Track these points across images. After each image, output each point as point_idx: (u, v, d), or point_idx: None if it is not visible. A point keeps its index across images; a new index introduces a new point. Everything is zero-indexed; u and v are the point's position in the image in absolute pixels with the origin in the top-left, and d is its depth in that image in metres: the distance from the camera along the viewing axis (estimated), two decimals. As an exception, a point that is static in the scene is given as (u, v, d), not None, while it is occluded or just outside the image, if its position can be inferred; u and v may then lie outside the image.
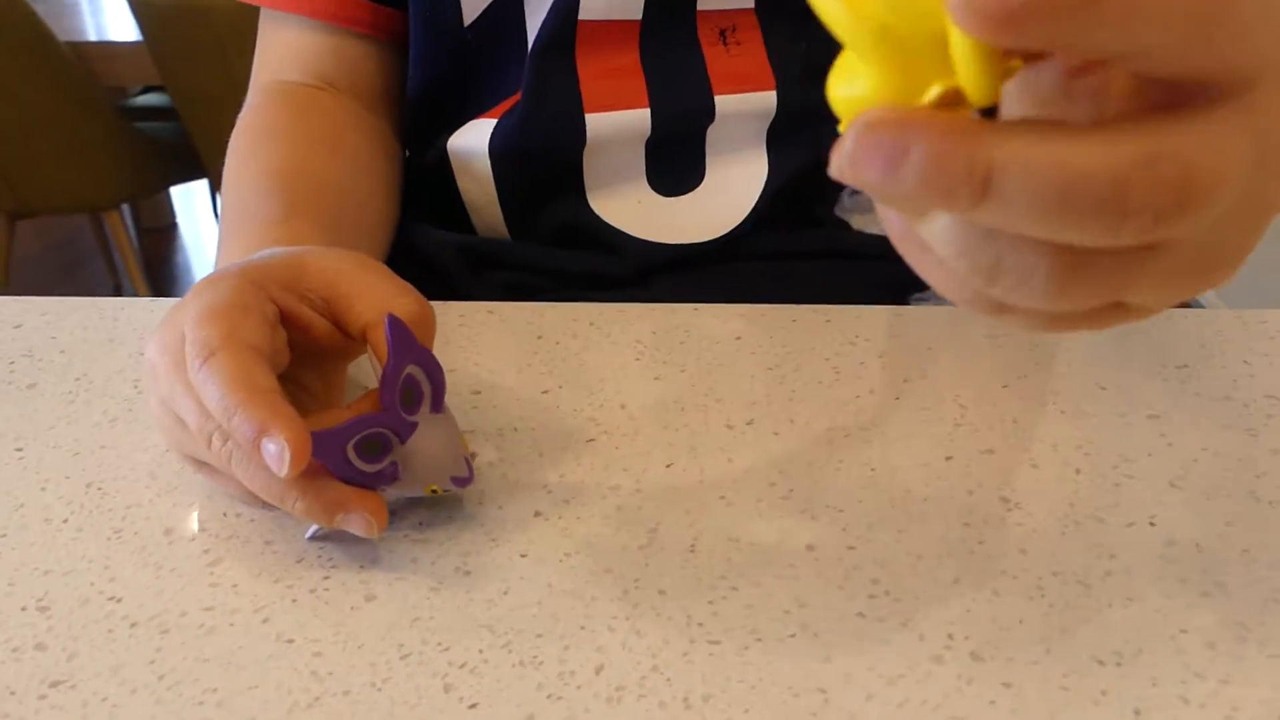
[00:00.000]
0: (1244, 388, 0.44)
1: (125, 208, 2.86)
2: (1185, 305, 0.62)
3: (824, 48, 0.59)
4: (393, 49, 0.62)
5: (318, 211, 0.49)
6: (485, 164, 0.58)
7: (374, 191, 0.57)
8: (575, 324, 0.50)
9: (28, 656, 0.31)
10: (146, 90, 2.87)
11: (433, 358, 0.36)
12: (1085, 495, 0.37)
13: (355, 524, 0.33)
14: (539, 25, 0.56)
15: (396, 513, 0.36)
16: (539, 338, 0.49)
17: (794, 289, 0.55)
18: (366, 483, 0.34)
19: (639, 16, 0.55)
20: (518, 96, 0.57)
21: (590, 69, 0.56)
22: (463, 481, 0.35)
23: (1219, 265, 0.21)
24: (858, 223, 0.62)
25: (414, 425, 0.35)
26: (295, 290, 0.37)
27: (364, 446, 0.34)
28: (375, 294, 0.37)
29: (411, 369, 0.35)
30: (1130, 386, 0.44)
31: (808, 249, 0.59)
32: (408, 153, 0.64)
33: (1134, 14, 0.16)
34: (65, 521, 0.37)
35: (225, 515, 0.37)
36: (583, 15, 0.55)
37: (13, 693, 0.29)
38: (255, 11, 0.62)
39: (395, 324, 0.35)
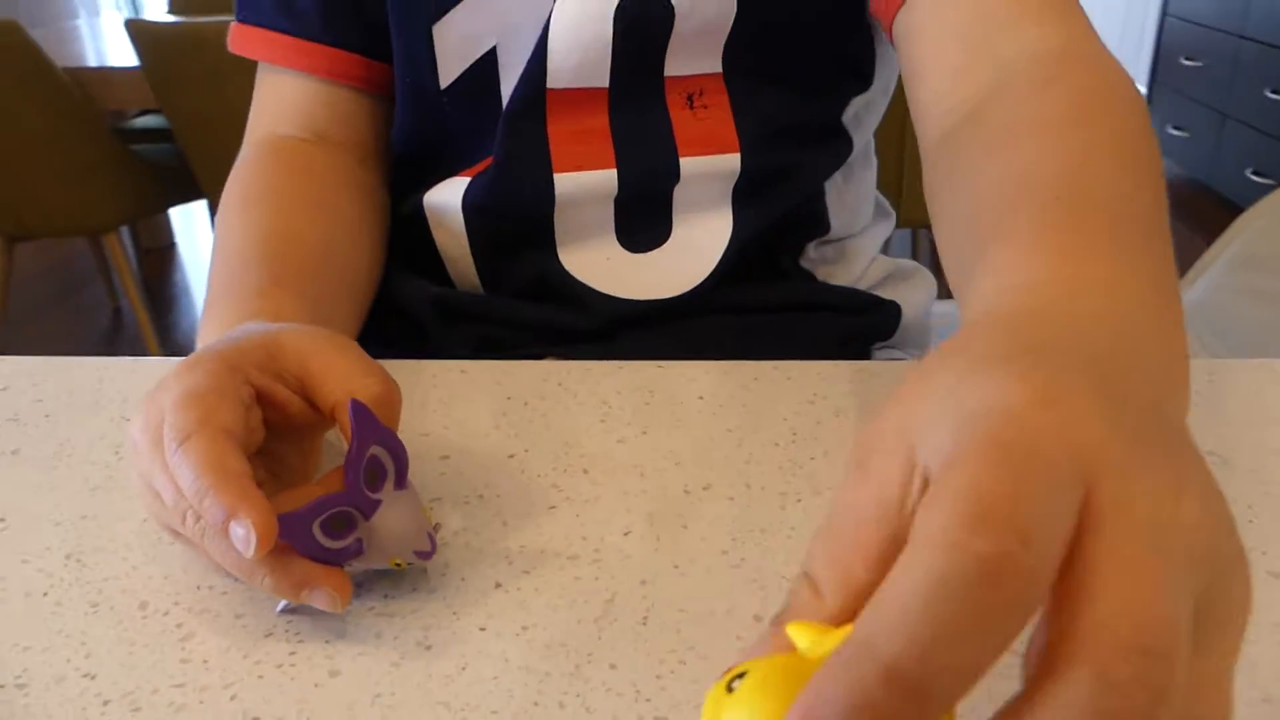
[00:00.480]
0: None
1: (124, 229, 2.89)
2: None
3: (788, 107, 0.62)
4: (386, 103, 0.64)
5: (299, 279, 0.50)
6: (459, 219, 0.60)
7: (357, 251, 0.58)
8: (544, 384, 0.52)
9: (5, 737, 0.32)
10: (144, 113, 2.89)
11: (394, 437, 0.37)
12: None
13: (320, 600, 0.35)
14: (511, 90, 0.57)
15: (363, 585, 0.38)
16: (508, 398, 0.51)
17: (759, 341, 0.56)
18: (332, 559, 0.35)
19: (606, 84, 0.56)
20: (490, 159, 0.59)
21: (560, 132, 0.58)
22: (425, 555, 0.37)
23: None
24: (823, 274, 0.63)
25: (377, 503, 0.36)
26: (270, 370, 0.39)
27: (330, 524, 0.35)
28: (343, 374, 0.38)
29: (375, 449, 0.37)
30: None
31: (773, 302, 0.61)
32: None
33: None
34: (45, 595, 0.38)
35: (199, 588, 0.39)
36: (550, 84, 0.56)
37: (-10, 775, 0.31)
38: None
39: (357, 407, 0.36)
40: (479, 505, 0.43)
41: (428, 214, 0.61)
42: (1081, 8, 0.47)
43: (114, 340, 2.70)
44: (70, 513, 0.43)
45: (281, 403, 0.39)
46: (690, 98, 0.58)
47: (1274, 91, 2.82)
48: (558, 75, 0.56)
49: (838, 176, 0.62)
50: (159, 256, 3.20)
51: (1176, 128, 3.42)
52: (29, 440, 0.49)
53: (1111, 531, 0.20)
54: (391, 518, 0.36)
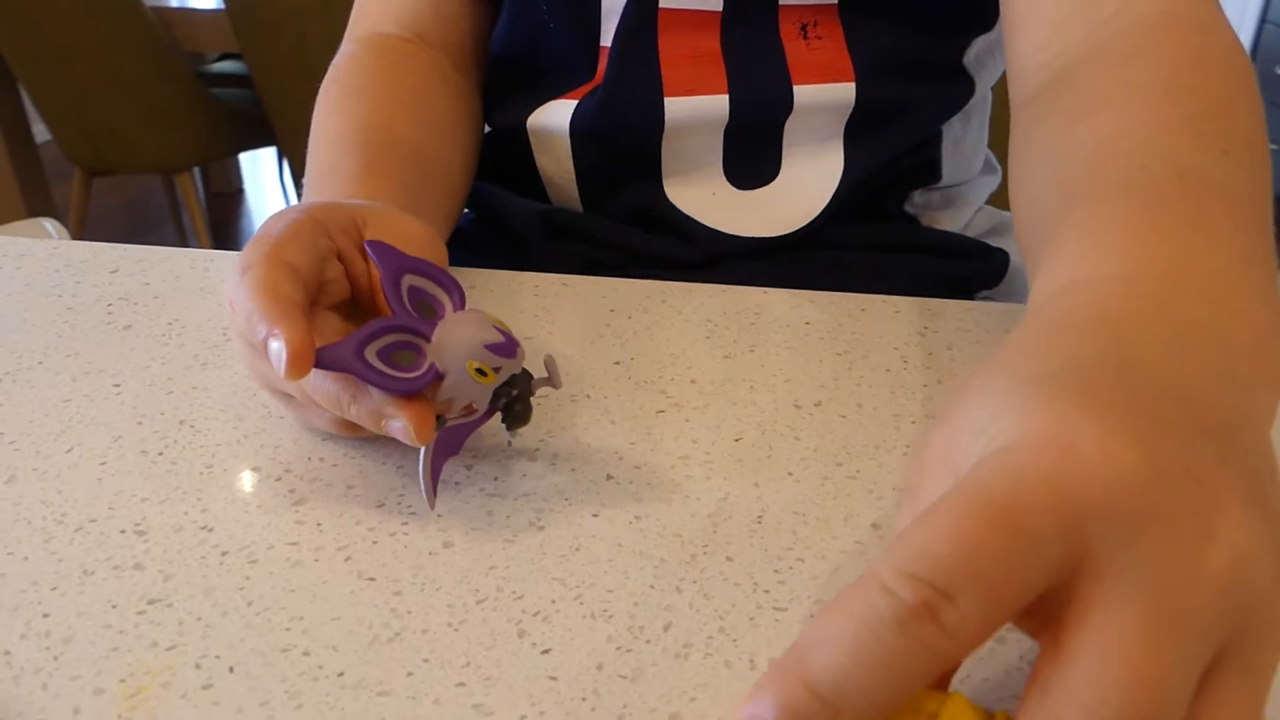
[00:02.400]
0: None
1: (195, 172, 2.94)
2: None
3: (906, 42, 0.60)
4: (488, 6, 0.64)
5: (395, 170, 0.50)
6: (565, 144, 0.59)
7: (452, 152, 0.58)
8: (648, 300, 0.51)
9: (127, 575, 0.33)
10: (223, 57, 2.93)
11: (438, 269, 0.37)
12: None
13: (397, 431, 0.34)
14: (615, 10, 0.57)
15: (472, 467, 0.38)
16: (611, 311, 0.50)
17: (862, 280, 0.55)
18: (413, 388, 0.34)
19: (719, 8, 0.56)
20: (597, 80, 0.58)
21: (671, 54, 0.57)
22: (503, 349, 0.34)
23: None
24: (927, 219, 0.62)
25: (434, 323, 0.35)
26: (352, 236, 0.40)
27: (391, 354, 0.34)
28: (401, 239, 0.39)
29: (414, 280, 0.36)
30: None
31: (877, 242, 0.60)
32: (487, 126, 0.66)
33: None
34: (160, 454, 0.39)
35: (309, 459, 0.39)
36: (663, 4, 0.55)
37: (114, 606, 0.31)
38: None
39: (374, 245, 0.36)
40: (586, 404, 0.42)
41: (531, 137, 0.61)
42: None
43: (180, 280, 2.74)
44: (182, 384, 0.44)
45: (358, 272, 0.40)
46: (804, 28, 0.56)
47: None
48: None
49: (955, 122, 0.60)
50: (227, 201, 3.25)
51: (1273, 143, 3.31)
52: (140, 318, 0.49)
53: (1107, 592, 0.19)
54: (455, 329, 0.34)
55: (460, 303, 0.37)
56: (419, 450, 0.35)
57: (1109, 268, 0.29)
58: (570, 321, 0.49)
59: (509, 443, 0.39)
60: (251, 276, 0.35)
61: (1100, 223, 0.31)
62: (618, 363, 0.45)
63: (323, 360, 0.33)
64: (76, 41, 2.13)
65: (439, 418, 0.35)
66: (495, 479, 0.38)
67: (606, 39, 0.58)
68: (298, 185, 2.91)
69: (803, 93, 0.56)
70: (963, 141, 0.61)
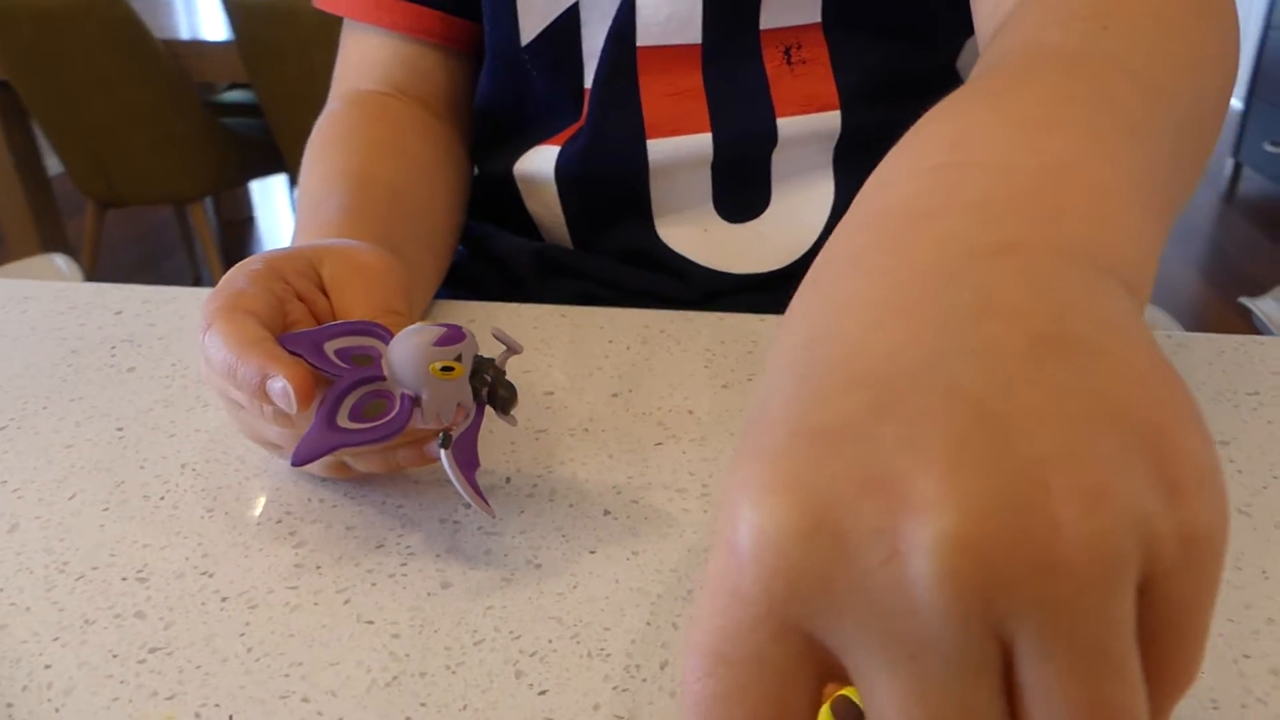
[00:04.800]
0: (1320, 419, 0.43)
1: (207, 201, 2.96)
2: (1256, 332, 0.61)
3: (894, 56, 0.59)
4: (466, 60, 0.64)
5: (371, 210, 0.50)
6: (552, 189, 0.60)
7: (434, 192, 0.58)
8: (645, 330, 0.51)
9: (128, 623, 0.33)
10: (232, 86, 2.96)
11: (347, 323, 0.37)
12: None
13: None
14: (595, 52, 0.57)
15: (470, 505, 0.38)
16: (610, 342, 0.50)
17: None
18: (398, 425, 0.34)
19: (699, 40, 0.55)
20: (580, 123, 0.58)
21: (652, 93, 0.57)
22: (450, 336, 0.34)
23: None
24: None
25: (379, 363, 0.35)
26: (309, 276, 0.40)
27: (367, 410, 0.35)
28: (355, 293, 0.40)
29: (336, 344, 0.36)
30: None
31: None
32: (476, 169, 0.66)
33: None
34: (162, 499, 0.39)
35: (309, 500, 0.39)
36: (640, 41, 0.55)
37: (115, 655, 0.32)
38: (339, 17, 0.64)
39: (285, 337, 0.36)
40: (584, 438, 0.42)
41: (519, 183, 0.61)
42: None
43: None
44: (185, 427, 0.44)
45: (320, 311, 0.40)
46: (788, 51, 0.56)
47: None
48: (648, 31, 0.55)
49: None
50: (239, 229, 3.27)
51: (1273, 143, 3.30)
52: (143, 360, 0.50)
53: (856, 671, 0.17)
54: (394, 354, 0.35)
55: (388, 336, 0.37)
56: (451, 479, 0.35)
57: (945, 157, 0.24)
58: (569, 353, 0.49)
59: (514, 423, 0.38)
60: (218, 329, 0.35)
61: (914, 127, 0.27)
62: (616, 395, 0.46)
63: (307, 453, 0.33)
64: (88, 75, 2.16)
65: (445, 435, 0.35)
66: (493, 518, 0.38)
67: (589, 81, 0.58)
68: (308, 211, 2.93)
69: (787, 124, 0.56)
70: None
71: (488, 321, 0.53)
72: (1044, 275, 0.19)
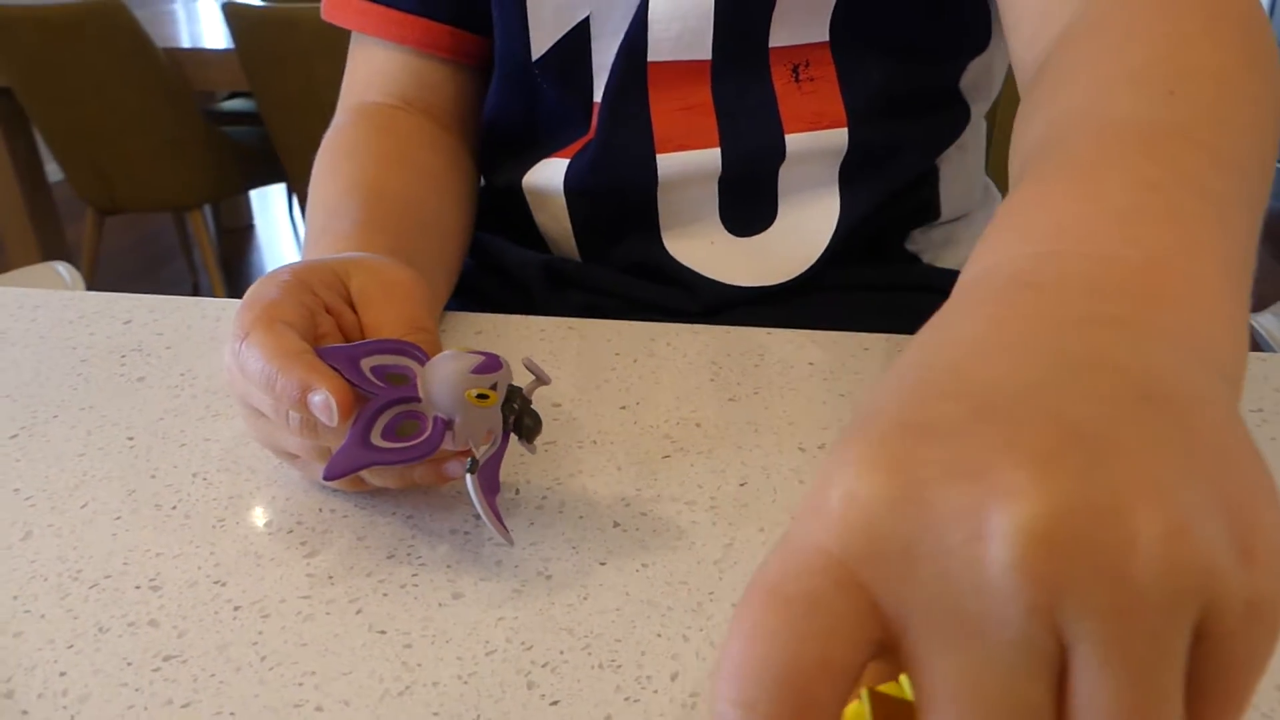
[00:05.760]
0: (1321, 436, 0.44)
1: (206, 208, 2.97)
2: (1258, 349, 0.62)
3: (900, 74, 0.60)
4: (474, 73, 0.64)
5: (385, 223, 0.51)
6: (560, 202, 0.60)
7: (443, 204, 0.59)
8: (652, 343, 0.52)
9: (142, 631, 0.33)
10: (233, 95, 2.97)
11: (386, 341, 0.38)
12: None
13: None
14: (605, 66, 0.57)
15: (480, 518, 0.38)
16: (617, 354, 0.51)
17: (866, 320, 0.56)
18: (431, 446, 0.34)
19: (708, 56, 0.56)
20: (589, 136, 0.59)
21: (662, 108, 0.57)
22: (488, 365, 0.35)
23: None
24: (929, 258, 0.62)
25: (415, 384, 0.36)
26: (335, 289, 0.40)
27: (399, 430, 0.35)
28: (385, 309, 0.40)
29: (373, 360, 0.36)
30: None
31: (879, 282, 0.60)
32: (483, 180, 0.66)
33: None
34: (174, 508, 0.39)
35: (320, 510, 0.39)
36: (651, 57, 0.56)
37: (129, 663, 0.32)
38: (341, 29, 0.64)
39: (322, 350, 0.36)
40: (593, 450, 0.43)
41: (527, 196, 0.62)
42: None
43: (192, 315, 2.76)
44: (194, 436, 0.44)
45: (348, 324, 0.40)
46: (796, 69, 0.57)
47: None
48: (658, 47, 0.55)
49: (952, 152, 0.61)
50: (238, 236, 3.28)
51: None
52: (153, 369, 0.50)
53: (914, 644, 0.17)
54: (432, 376, 0.35)
55: (424, 357, 0.37)
56: (475, 502, 0.35)
57: (985, 261, 0.25)
58: (577, 366, 0.50)
59: (532, 451, 0.38)
60: (256, 340, 0.35)
61: (1007, 209, 0.28)
62: (623, 407, 0.46)
63: (342, 468, 0.34)
64: (89, 82, 2.16)
65: (472, 460, 0.35)
66: (510, 543, 0.38)
67: (599, 94, 0.58)
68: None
69: (795, 140, 0.57)
70: (959, 173, 0.62)
71: (495, 334, 0.54)
72: (1149, 347, 0.20)
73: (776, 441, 0.43)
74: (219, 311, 0.56)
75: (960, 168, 0.62)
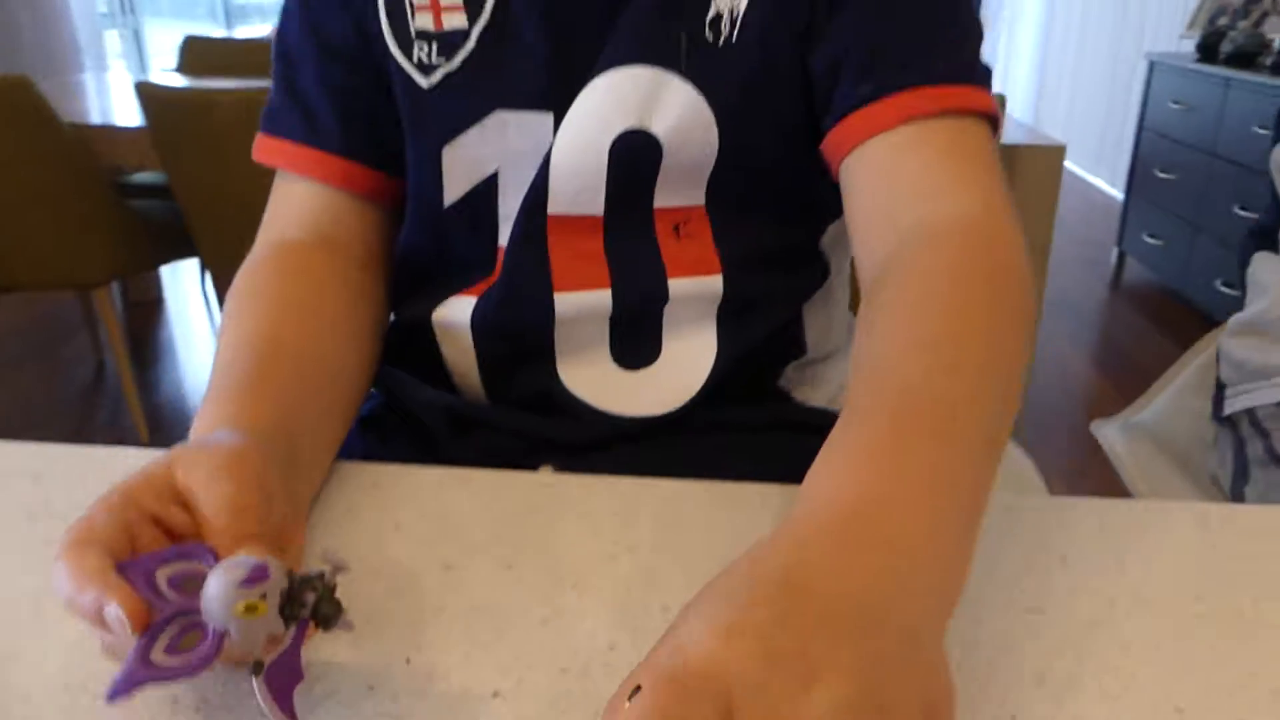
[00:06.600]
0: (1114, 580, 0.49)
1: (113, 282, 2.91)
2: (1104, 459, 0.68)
3: (768, 233, 0.68)
4: (388, 212, 0.69)
5: (270, 382, 0.53)
6: (467, 336, 0.64)
7: (340, 352, 0.61)
8: (540, 496, 0.56)
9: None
10: (142, 166, 2.94)
11: (179, 547, 0.40)
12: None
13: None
14: (510, 215, 0.63)
15: (374, 687, 0.41)
16: (505, 510, 0.54)
17: (743, 459, 0.61)
18: (206, 660, 0.37)
19: (601, 212, 0.62)
20: (493, 278, 0.64)
21: (559, 254, 0.63)
22: (254, 577, 0.37)
23: None
24: (799, 394, 0.68)
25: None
26: (165, 496, 0.42)
27: (183, 642, 0.37)
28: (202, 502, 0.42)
29: (168, 570, 0.39)
30: (1012, 577, 0.49)
31: (755, 421, 0.65)
32: (393, 315, 0.70)
33: None
34: (84, 688, 0.41)
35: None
36: (551, 210, 0.62)
37: None
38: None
39: (121, 565, 0.38)
40: (476, 618, 0.46)
41: (436, 330, 0.66)
42: (996, 170, 0.54)
43: (95, 394, 2.71)
44: (95, 605, 0.46)
45: (178, 524, 0.42)
46: (677, 226, 0.63)
47: (1242, 209, 2.94)
48: (557, 201, 0.61)
49: (816, 299, 0.67)
50: (146, 310, 3.22)
51: (1151, 235, 3.53)
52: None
53: None
54: (206, 590, 0.37)
55: (213, 560, 0.39)
56: (261, 704, 0.37)
57: (821, 498, 0.39)
58: (469, 523, 0.53)
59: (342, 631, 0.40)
60: (62, 562, 0.38)
61: (829, 451, 0.43)
62: (510, 567, 0.49)
63: (119, 689, 0.35)
64: (-12, 158, 2.12)
65: (257, 663, 0.38)
66: (394, 695, 0.41)
67: (503, 239, 0.64)
68: (220, 296, 2.91)
69: (677, 285, 0.63)
70: (823, 318, 0.68)
71: (392, 486, 0.57)
72: (858, 575, 0.35)
73: (644, 602, 0.47)
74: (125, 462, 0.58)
75: (824, 312, 0.68)
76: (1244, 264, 0.89)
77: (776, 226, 0.64)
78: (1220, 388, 0.87)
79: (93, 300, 2.73)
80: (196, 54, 3.27)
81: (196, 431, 0.49)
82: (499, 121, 0.62)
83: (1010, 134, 2.24)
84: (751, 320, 0.65)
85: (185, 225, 2.25)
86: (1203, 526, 0.54)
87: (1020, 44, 6.47)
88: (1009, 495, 0.55)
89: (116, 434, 2.47)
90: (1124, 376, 2.88)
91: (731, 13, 0.58)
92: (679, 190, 0.62)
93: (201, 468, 0.43)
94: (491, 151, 0.63)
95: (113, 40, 4.65)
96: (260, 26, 5.72)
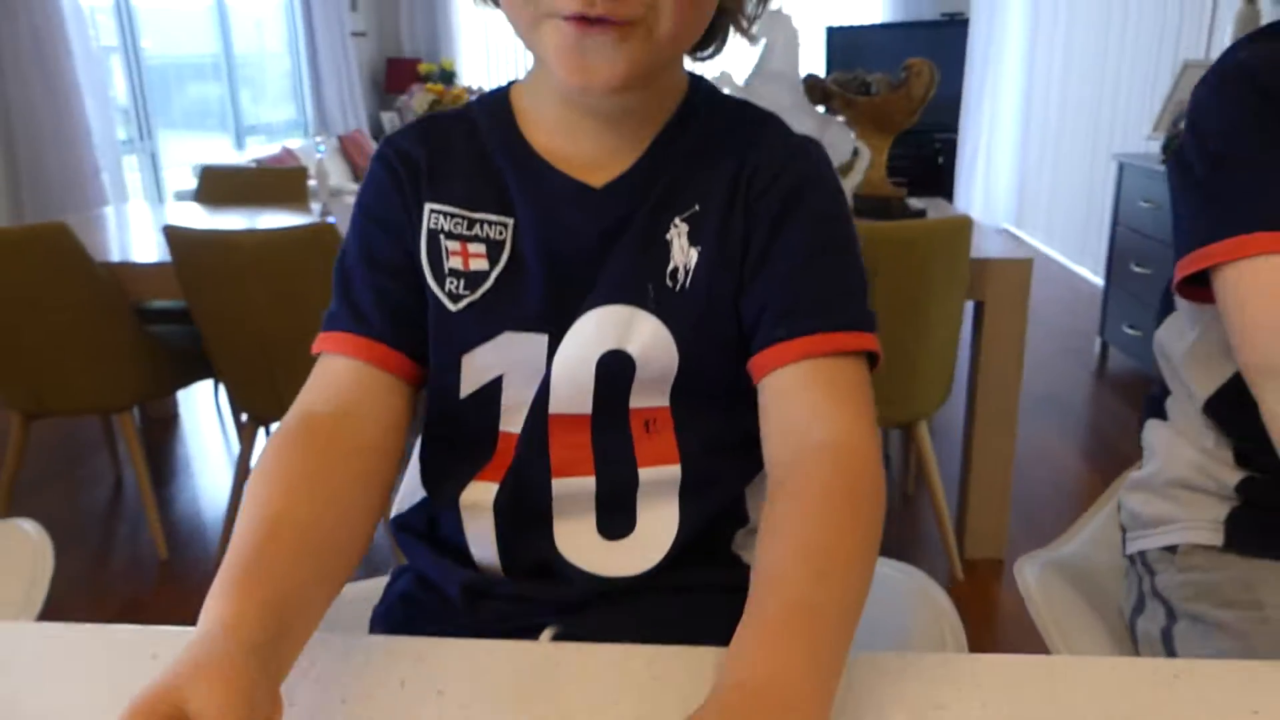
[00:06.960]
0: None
1: (134, 403, 3.03)
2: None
3: (719, 429, 0.83)
4: (411, 390, 0.80)
5: (271, 568, 0.62)
6: (489, 517, 0.79)
7: (340, 525, 0.70)
8: (550, 665, 0.66)
9: None
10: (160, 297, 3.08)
11: None
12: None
13: None
14: (509, 409, 0.79)
15: None
16: (517, 679, 0.64)
17: (705, 617, 0.73)
18: None
19: (589, 412, 0.78)
20: (503, 462, 0.79)
21: (557, 445, 0.78)
22: None
23: None
24: (747, 557, 0.82)
25: None
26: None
27: None
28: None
29: None
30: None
31: (712, 583, 0.80)
32: (424, 495, 0.84)
33: None
34: None
35: None
36: (552, 409, 0.78)
37: None
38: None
39: None
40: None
41: (463, 512, 0.80)
42: (867, 397, 0.73)
43: (114, 512, 2.80)
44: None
45: None
46: (647, 423, 0.79)
47: (1210, 303, 3.05)
48: (557, 402, 0.78)
49: (757, 479, 0.82)
50: (162, 427, 3.34)
51: (1130, 326, 3.65)
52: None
53: None
54: None
55: None
56: None
57: (740, 673, 0.55)
58: (480, 693, 0.63)
59: None
60: None
61: (743, 635, 0.58)
62: (519, 733, 0.59)
63: None
64: (24, 297, 2.25)
65: None
66: None
67: (503, 426, 0.79)
68: (236, 416, 3.02)
69: (645, 473, 0.79)
70: (761, 490, 0.81)
71: (415, 656, 0.67)
72: None
73: (634, 764, 0.57)
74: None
75: (761, 487, 0.81)
76: (1141, 427, 1.03)
77: (725, 421, 0.79)
78: (1123, 530, 1.00)
79: (114, 420, 2.84)
80: (213, 181, 3.47)
81: (205, 615, 0.57)
82: (507, 339, 0.77)
83: (985, 245, 2.39)
84: (707, 498, 0.80)
85: (204, 350, 2.37)
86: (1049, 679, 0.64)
87: (1000, 142, 6.70)
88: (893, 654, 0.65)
89: (135, 549, 2.57)
90: (1111, 468, 2.94)
91: (685, 267, 0.77)
92: (649, 393, 0.78)
93: (200, 698, 0.50)
94: (498, 360, 0.78)
95: (130, 163, 4.85)
96: (269, 145, 5.97)
